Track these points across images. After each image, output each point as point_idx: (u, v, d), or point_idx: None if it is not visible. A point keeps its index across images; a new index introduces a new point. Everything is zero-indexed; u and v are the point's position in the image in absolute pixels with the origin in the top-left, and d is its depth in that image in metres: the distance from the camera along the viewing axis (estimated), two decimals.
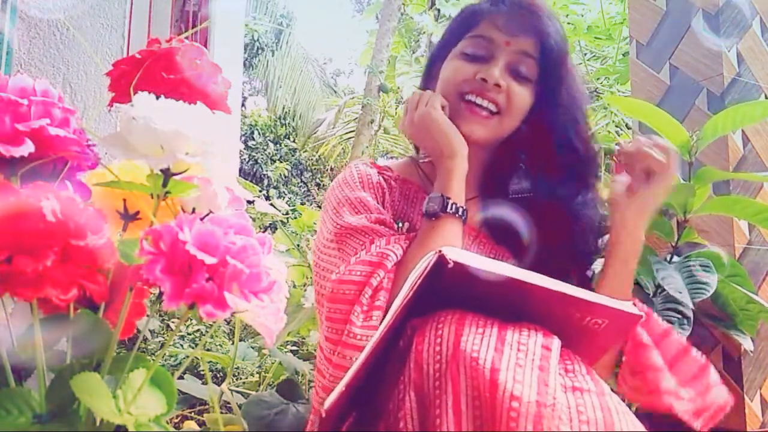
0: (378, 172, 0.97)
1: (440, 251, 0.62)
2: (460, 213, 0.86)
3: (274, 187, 9.36)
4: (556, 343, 0.63)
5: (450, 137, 0.89)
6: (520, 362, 0.59)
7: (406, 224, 0.93)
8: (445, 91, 0.93)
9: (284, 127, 10.41)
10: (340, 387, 0.63)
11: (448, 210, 0.85)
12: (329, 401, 0.63)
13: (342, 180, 0.96)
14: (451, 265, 0.61)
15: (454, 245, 0.81)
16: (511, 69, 0.91)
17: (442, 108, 0.91)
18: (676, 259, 1.30)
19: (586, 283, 0.95)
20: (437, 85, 0.96)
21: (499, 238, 0.96)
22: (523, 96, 0.91)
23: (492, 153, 0.98)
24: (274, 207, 1.80)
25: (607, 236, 0.94)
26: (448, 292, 0.64)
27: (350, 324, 0.75)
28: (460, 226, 0.86)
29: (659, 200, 0.91)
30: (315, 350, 1.80)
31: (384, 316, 0.74)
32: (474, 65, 0.92)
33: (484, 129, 0.91)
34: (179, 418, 1.34)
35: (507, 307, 0.66)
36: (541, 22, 0.90)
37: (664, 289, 1.21)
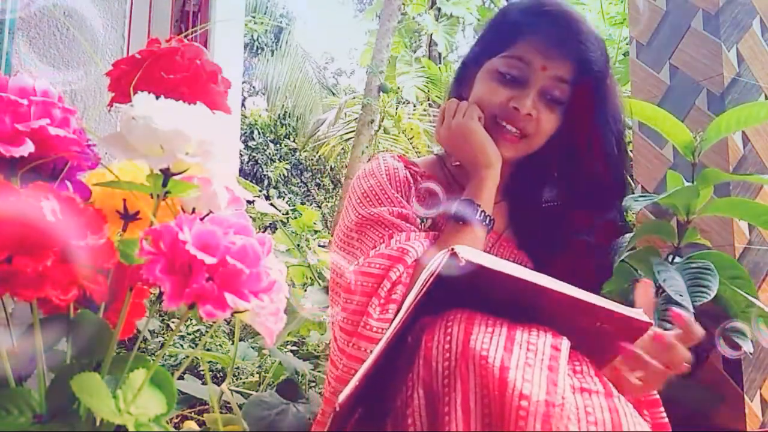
0: (405, 167, 0.98)
1: (452, 249, 0.62)
2: (487, 222, 0.87)
3: (274, 187, 9.36)
4: (565, 343, 0.63)
5: (486, 148, 0.91)
6: (530, 362, 0.59)
7: (429, 221, 0.94)
8: (479, 107, 0.94)
9: (284, 127, 10.41)
10: (354, 382, 0.63)
11: (477, 217, 0.86)
12: (343, 395, 0.62)
13: (368, 171, 0.96)
14: (462, 263, 0.61)
15: None
16: (544, 94, 0.92)
17: (479, 119, 0.92)
18: (677, 260, 1.30)
19: (597, 292, 0.96)
20: (471, 96, 0.96)
21: (520, 243, 0.96)
22: (551, 121, 0.93)
23: (519, 162, 0.99)
24: (274, 207, 1.80)
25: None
26: (459, 291, 0.64)
27: (367, 316, 0.75)
28: (485, 233, 0.87)
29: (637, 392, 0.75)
30: (315, 350, 1.80)
31: (399, 310, 0.75)
32: (508, 89, 0.92)
33: (511, 151, 0.94)
34: (179, 418, 1.34)
35: (517, 308, 0.65)
36: (582, 45, 0.89)
37: (665, 290, 1.21)
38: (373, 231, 0.86)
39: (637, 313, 0.68)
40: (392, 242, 0.82)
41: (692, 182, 1.30)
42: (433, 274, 0.63)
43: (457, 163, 0.99)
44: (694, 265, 1.22)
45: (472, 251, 0.63)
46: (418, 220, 0.90)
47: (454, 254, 0.61)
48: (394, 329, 0.64)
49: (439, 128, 0.97)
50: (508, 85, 0.92)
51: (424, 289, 0.63)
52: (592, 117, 0.93)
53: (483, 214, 0.87)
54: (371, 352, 0.73)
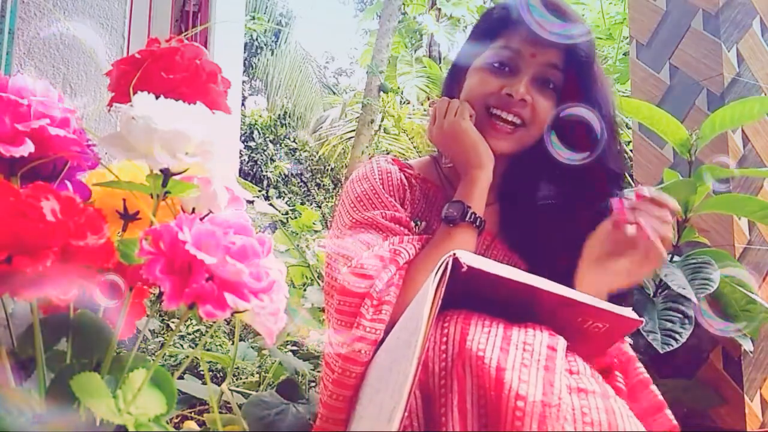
0: (399, 169, 0.97)
1: (454, 255, 0.62)
2: (477, 223, 0.86)
3: (274, 187, 9.36)
4: (561, 343, 0.63)
5: (479, 149, 0.89)
6: (526, 362, 0.59)
7: (423, 223, 0.93)
8: (470, 101, 0.93)
9: (284, 127, 10.40)
10: (402, 403, 0.57)
11: (467, 219, 0.85)
12: (396, 420, 0.57)
13: (362, 174, 0.96)
14: (464, 269, 0.61)
15: None
16: (537, 81, 0.90)
17: (470, 117, 0.91)
18: (676, 258, 1.30)
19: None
20: (462, 93, 0.95)
21: (513, 244, 0.95)
22: (547, 108, 0.91)
23: (513, 161, 0.97)
24: (274, 207, 1.80)
25: None
26: (454, 292, 0.64)
27: (360, 317, 0.75)
28: (475, 235, 0.86)
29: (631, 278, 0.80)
30: (315, 350, 1.80)
31: (392, 311, 0.75)
32: (500, 78, 0.91)
33: (507, 143, 0.91)
34: (179, 418, 1.34)
35: (512, 309, 0.66)
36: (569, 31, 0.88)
37: (665, 289, 1.21)
38: (367, 234, 0.86)
39: (628, 312, 0.68)
40: (385, 244, 0.82)
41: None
42: (443, 282, 0.62)
43: (450, 164, 0.98)
44: (693, 261, 1.22)
45: (473, 256, 0.62)
46: (412, 224, 0.90)
47: (455, 260, 0.61)
48: (422, 342, 0.61)
49: (431, 128, 0.96)
50: (499, 75, 0.91)
51: (439, 298, 0.62)
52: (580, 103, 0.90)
53: (473, 215, 0.86)
54: (366, 353, 0.73)
